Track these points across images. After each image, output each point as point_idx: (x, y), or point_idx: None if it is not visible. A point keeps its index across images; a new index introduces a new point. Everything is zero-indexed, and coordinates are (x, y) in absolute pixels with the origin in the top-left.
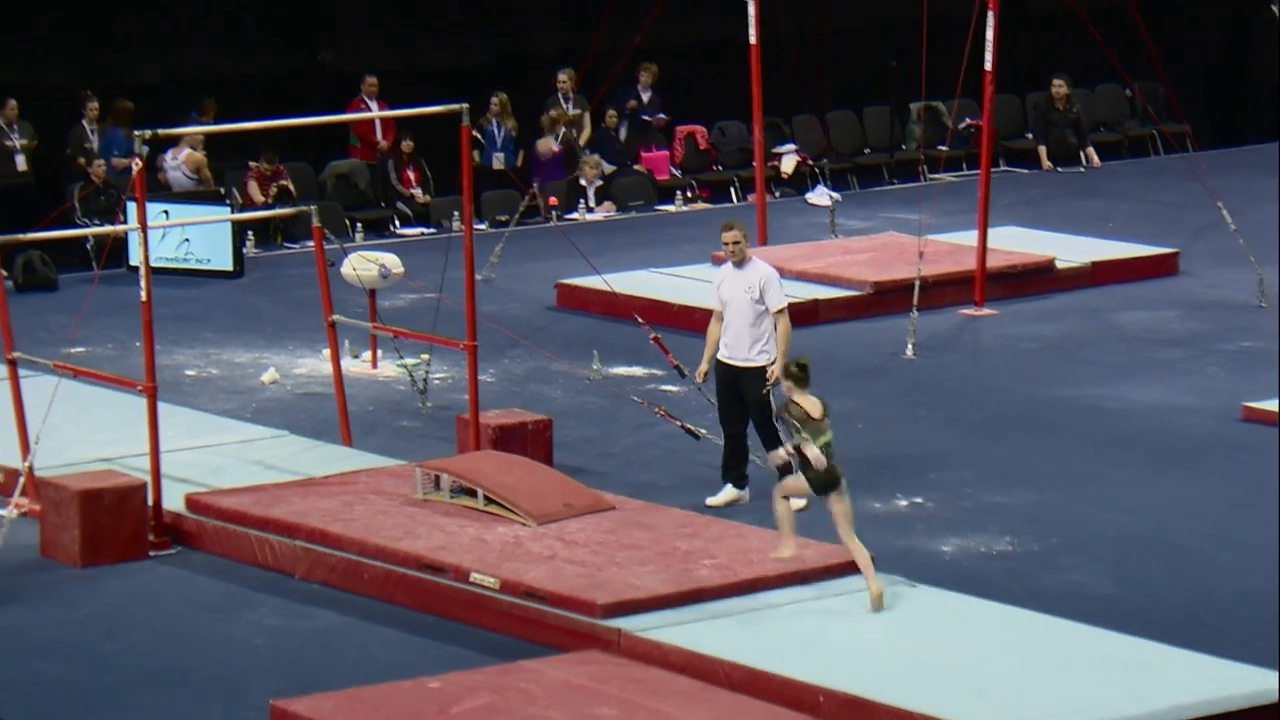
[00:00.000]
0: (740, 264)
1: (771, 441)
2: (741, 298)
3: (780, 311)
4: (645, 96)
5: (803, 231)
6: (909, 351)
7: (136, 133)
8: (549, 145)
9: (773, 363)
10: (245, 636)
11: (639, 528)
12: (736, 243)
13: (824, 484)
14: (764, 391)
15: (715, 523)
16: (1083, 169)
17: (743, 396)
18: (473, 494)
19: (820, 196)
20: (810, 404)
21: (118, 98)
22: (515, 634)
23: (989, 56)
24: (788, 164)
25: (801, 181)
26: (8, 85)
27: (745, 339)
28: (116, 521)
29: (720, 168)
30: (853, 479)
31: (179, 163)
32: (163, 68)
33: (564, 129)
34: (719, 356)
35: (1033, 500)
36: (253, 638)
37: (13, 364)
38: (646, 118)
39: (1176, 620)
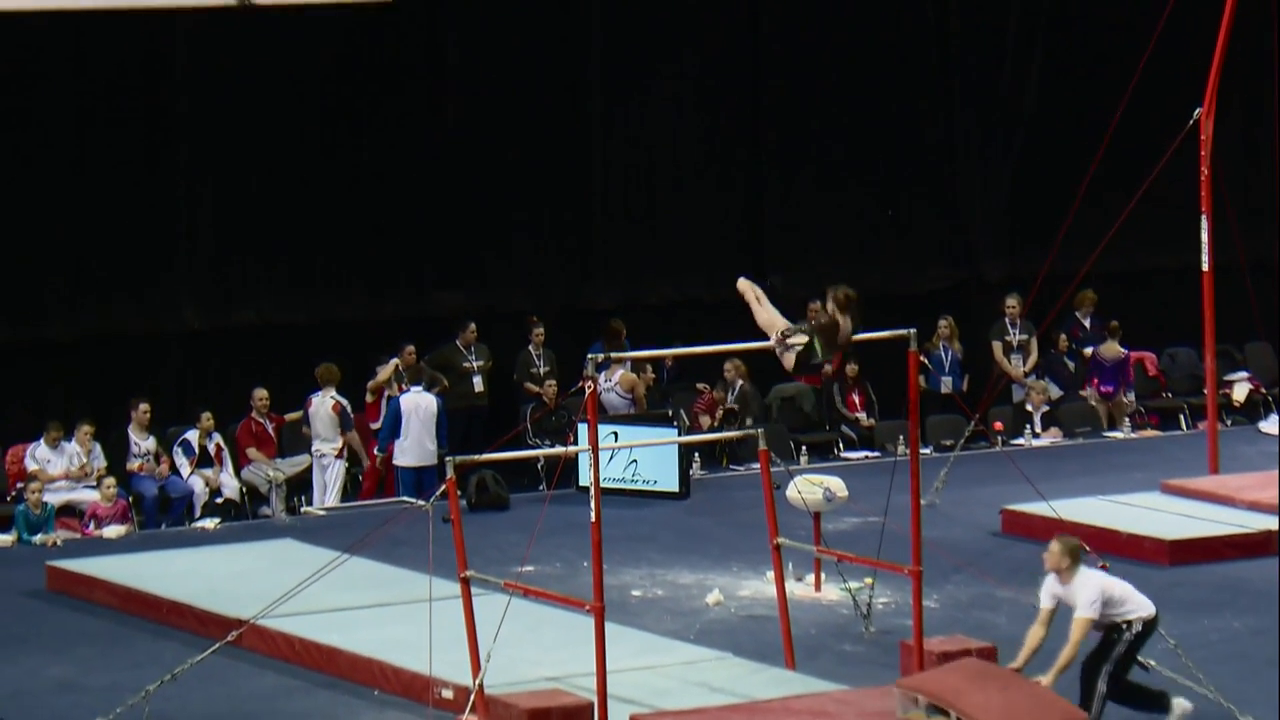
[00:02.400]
0: (1066, 583)
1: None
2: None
3: (1079, 620)
4: (1086, 323)
5: (1255, 461)
6: None
7: (590, 355)
8: (1114, 349)
9: (1117, 631)
10: None
11: None
12: (1050, 554)
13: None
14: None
15: None
16: None
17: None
18: (945, 714)
19: (1273, 425)
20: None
21: (573, 321)
22: None
23: None
24: (1240, 392)
25: (1254, 410)
26: (469, 309)
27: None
28: None
29: (1170, 395)
30: None
31: (613, 384)
32: (618, 294)
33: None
34: None
35: None
36: None
37: (465, 582)
38: (1092, 350)
39: None
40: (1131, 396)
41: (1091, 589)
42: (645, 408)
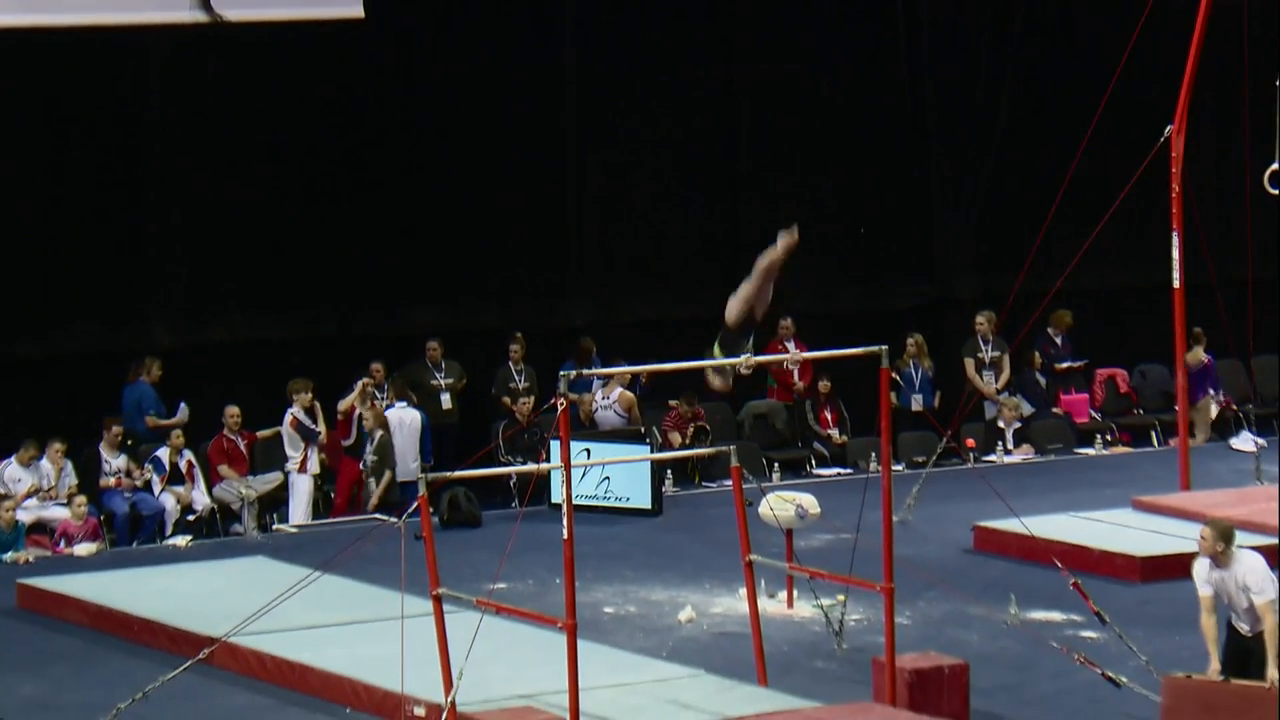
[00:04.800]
0: (1224, 566)
1: None
2: (1239, 597)
3: (1268, 604)
4: (1058, 341)
5: (1227, 478)
6: None
7: (561, 373)
8: (1198, 356)
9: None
10: None
11: None
12: (1203, 539)
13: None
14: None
15: None
16: None
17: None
18: None
19: (1245, 442)
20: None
21: (547, 339)
22: None
23: None
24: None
25: (1226, 427)
26: (441, 328)
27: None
28: None
29: (1141, 411)
30: None
31: (612, 402)
32: (589, 311)
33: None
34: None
35: None
36: None
37: (437, 600)
38: (1064, 365)
39: None
40: (1218, 400)
41: (1261, 567)
42: (640, 425)
